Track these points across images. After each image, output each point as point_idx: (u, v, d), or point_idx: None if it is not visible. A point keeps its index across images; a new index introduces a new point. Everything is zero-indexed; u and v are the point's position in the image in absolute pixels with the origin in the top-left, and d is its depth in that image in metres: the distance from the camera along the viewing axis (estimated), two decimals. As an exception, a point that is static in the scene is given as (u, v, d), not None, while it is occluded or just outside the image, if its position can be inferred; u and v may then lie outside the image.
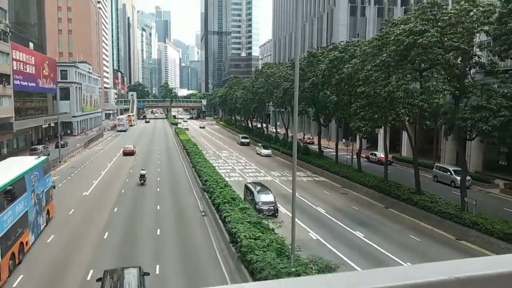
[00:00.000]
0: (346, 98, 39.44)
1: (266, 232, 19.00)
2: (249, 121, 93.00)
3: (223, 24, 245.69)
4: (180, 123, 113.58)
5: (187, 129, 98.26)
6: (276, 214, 26.89)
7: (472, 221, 23.76)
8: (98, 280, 15.44)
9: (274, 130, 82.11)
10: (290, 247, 15.93)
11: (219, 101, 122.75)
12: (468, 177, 30.74)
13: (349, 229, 25.67)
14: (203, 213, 27.92)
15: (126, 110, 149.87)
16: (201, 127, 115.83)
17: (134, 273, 15.43)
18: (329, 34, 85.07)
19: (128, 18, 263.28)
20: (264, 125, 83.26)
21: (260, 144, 62.70)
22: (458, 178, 33.26)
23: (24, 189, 21.76)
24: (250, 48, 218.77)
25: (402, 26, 27.06)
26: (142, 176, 38.01)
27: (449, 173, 38.95)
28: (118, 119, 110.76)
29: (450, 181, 38.35)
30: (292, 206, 15.48)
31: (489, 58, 25.20)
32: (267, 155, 58.30)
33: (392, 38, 27.04)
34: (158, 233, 24.18)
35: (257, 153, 60.34)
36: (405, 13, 63.00)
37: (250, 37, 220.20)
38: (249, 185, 30.69)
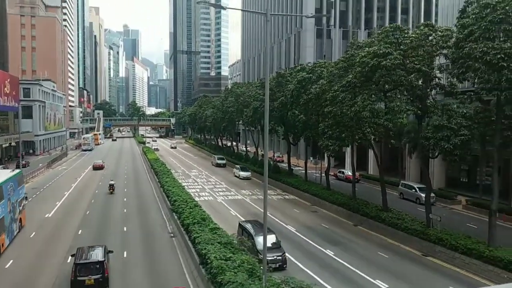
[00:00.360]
0: (314, 118, 40.20)
1: (237, 252, 18.79)
2: (219, 140, 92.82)
3: (192, 44, 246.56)
4: (148, 142, 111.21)
5: (157, 149, 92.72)
6: (285, 266, 21.51)
7: (437, 237, 24.45)
8: (72, 255, 19.85)
9: (244, 149, 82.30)
10: (261, 267, 15.80)
11: (189, 119, 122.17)
12: (432, 194, 31.74)
13: (319, 247, 25.79)
14: (172, 234, 27.32)
15: (92, 128, 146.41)
16: (172, 147, 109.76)
17: (101, 249, 19.81)
18: (296, 55, 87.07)
19: (95, 36, 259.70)
20: (234, 143, 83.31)
21: (238, 166, 58.30)
22: (423, 195, 34.29)
23: (1, 197, 24.29)
24: (219, 67, 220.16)
25: (367, 48, 28.08)
26: (111, 186, 42.78)
27: (414, 190, 40.13)
28: (83, 138, 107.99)
29: (415, 198, 39.47)
30: (264, 226, 15.44)
31: (448, 80, 26.44)
32: (246, 178, 54.15)
33: (357, 60, 27.97)
34: (125, 255, 23.41)
35: (235, 176, 56.54)
36: (369, 36, 65.68)
37: (220, 56, 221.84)
38: (246, 225, 24.13)
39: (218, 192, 44.86)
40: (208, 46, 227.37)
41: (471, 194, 39.13)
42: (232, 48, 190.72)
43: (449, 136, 24.54)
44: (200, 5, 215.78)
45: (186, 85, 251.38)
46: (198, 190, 45.84)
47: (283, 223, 31.52)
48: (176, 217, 28.24)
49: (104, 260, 18.77)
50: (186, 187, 40.92)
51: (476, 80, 22.58)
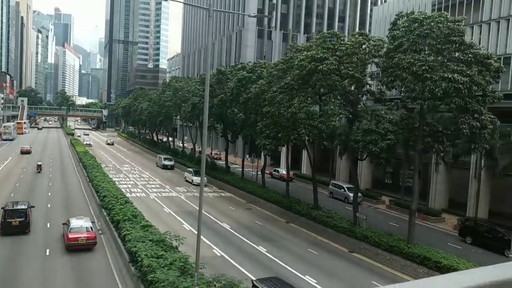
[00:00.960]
0: (253, 117, 40.64)
1: (169, 250, 18.45)
2: (154, 134, 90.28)
3: (129, 33, 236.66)
4: (79, 136, 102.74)
5: (89, 145, 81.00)
6: None
7: (362, 235, 25.93)
8: (2, 207, 25.52)
9: (181, 145, 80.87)
10: (193, 265, 15.67)
11: (122, 112, 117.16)
12: (359, 194, 33.55)
13: (253, 244, 26.15)
14: (100, 232, 26.10)
15: (15, 117, 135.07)
16: (108, 144, 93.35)
17: (25, 203, 26.73)
18: (237, 53, 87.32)
19: (22, 17, 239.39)
20: (171, 139, 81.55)
21: (191, 170, 49.55)
22: (351, 194, 36.14)
23: None
24: (157, 60, 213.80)
25: (305, 52, 28.96)
26: (39, 166, 47.51)
27: (343, 190, 42.17)
28: (4, 126, 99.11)
29: (343, 197, 41.50)
30: (198, 223, 15.33)
31: (378, 87, 28.17)
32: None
33: (296, 63, 28.74)
34: (47, 253, 21.96)
35: (187, 181, 48.66)
36: (307, 40, 67.68)
37: (158, 49, 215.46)
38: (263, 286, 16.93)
39: (152, 189, 43.66)
40: (147, 37, 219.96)
41: (394, 195, 41.98)
42: (171, 41, 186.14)
43: (377, 140, 26.10)
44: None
45: (121, 76, 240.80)
46: (130, 186, 44.24)
47: (218, 221, 31.50)
48: (105, 213, 27.05)
49: (27, 208, 25.53)
50: (117, 182, 39.31)
51: (402, 89, 24.27)
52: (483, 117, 22.71)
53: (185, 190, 43.65)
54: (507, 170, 29.21)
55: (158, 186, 45.63)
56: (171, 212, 33.52)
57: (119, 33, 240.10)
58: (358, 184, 32.38)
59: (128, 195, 34.09)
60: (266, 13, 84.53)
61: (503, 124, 31.23)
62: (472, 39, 35.12)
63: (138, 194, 39.90)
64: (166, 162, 59.61)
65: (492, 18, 38.37)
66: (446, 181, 38.76)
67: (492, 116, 23.93)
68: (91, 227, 23.55)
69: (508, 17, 36.96)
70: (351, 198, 33.53)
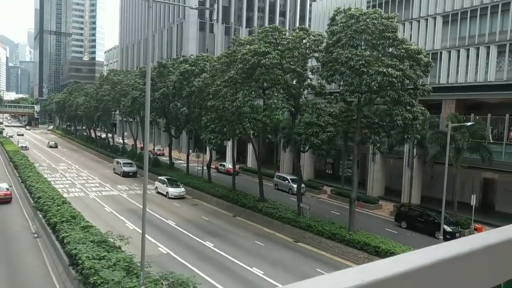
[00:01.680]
0: (197, 111, 40.16)
1: (113, 250, 17.81)
2: (92, 131, 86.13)
3: (62, 24, 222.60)
4: (10, 135, 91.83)
5: (25, 148, 67.93)
6: None
7: (306, 224, 26.76)
8: None
9: (121, 141, 77.99)
10: (139, 264, 15.27)
11: (56, 107, 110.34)
12: (302, 185, 34.53)
13: (199, 240, 25.98)
14: (36, 235, 24.55)
15: None
16: (51, 146, 78.01)
17: None
18: (179, 46, 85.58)
19: None
20: (110, 135, 78.28)
21: (163, 178, 39.68)
22: (295, 185, 37.07)
23: None
24: (94, 52, 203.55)
25: (248, 46, 29.09)
26: None
27: (287, 181, 43.16)
28: None
29: (288, 188, 42.48)
30: (143, 221, 14.93)
31: (319, 81, 29.06)
32: (179, 197, 37.39)
33: (239, 56, 28.80)
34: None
35: (159, 193, 38.92)
36: (250, 34, 68.02)
37: (94, 40, 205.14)
38: None
39: (91, 188, 41.73)
40: (82, 28, 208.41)
41: (335, 184, 43.71)
42: (109, 32, 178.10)
43: (318, 132, 26.98)
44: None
45: (54, 69, 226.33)
46: (67, 185, 41.93)
47: (163, 218, 30.87)
48: (41, 215, 25.44)
49: None
50: (53, 182, 37.15)
51: (341, 83, 25.26)
52: (414, 109, 24.30)
53: (127, 188, 42.22)
54: (436, 158, 31.51)
55: (97, 184, 43.70)
56: (112, 211, 32.30)
57: (51, 23, 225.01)
58: (301, 176, 33.27)
59: (65, 195, 32.41)
60: (208, 6, 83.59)
61: (432, 115, 33.73)
62: (404, 35, 37.30)
63: (76, 194, 37.97)
64: (127, 168, 48.29)
65: (421, 16, 41.01)
66: (382, 170, 41.05)
67: (423, 108, 25.71)
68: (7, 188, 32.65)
69: (435, 15, 39.71)
70: (295, 189, 34.40)
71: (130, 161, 51.03)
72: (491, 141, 31.69)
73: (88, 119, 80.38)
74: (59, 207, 24.48)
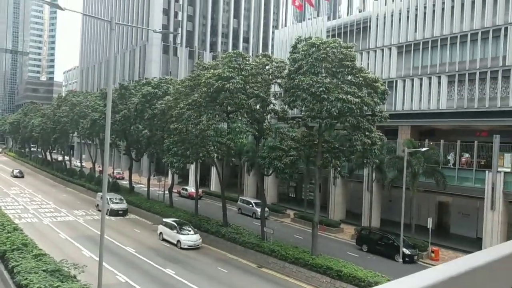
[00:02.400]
0: (159, 134, 39.61)
1: (67, 280, 16.87)
2: (48, 153, 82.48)
3: (18, 42, 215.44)
4: None
5: None
6: None
7: (270, 249, 26.63)
8: None
9: (79, 164, 75.16)
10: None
11: (10, 128, 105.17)
12: (266, 209, 34.53)
13: (159, 267, 25.17)
14: (-18, 266, 22.85)
15: None
16: (16, 176, 66.83)
17: None
18: (141, 68, 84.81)
19: None
20: (67, 158, 75.28)
21: (169, 221, 31.95)
22: (258, 209, 37.00)
23: None
24: (52, 72, 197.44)
25: (212, 70, 29.34)
26: None
27: (251, 205, 43.01)
28: None
29: (251, 212, 42.29)
30: (100, 248, 14.34)
31: (281, 106, 29.64)
32: (194, 247, 29.76)
33: (203, 80, 28.92)
34: None
35: (165, 240, 31.30)
36: (214, 58, 68.62)
37: (53, 60, 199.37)
38: None
39: (45, 213, 39.68)
40: (40, 48, 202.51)
41: (298, 208, 43.99)
42: (69, 52, 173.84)
43: (281, 156, 27.28)
44: (31, 0, 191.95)
45: (9, 89, 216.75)
46: (19, 211, 39.68)
47: (121, 245, 29.71)
48: (-12, 244, 23.78)
49: None
50: (3, 207, 35.05)
51: (303, 108, 25.90)
52: (373, 135, 25.21)
53: (84, 214, 40.49)
54: (393, 182, 32.62)
55: (52, 210, 41.63)
56: (68, 238, 30.79)
57: (6, 41, 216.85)
58: (265, 199, 33.31)
59: (17, 221, 30.59)
60: (171, 30, 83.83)
61: (389, 141, 35.08)
62: (362, 64, 38.98)
63: (29, 220, 35.98)
64: (116, 206, 40.05)
65: (377, 46, 43.14)
66: (343, 193, 41.87)
67: (381, 134, 26.75)
68: None
69: (390, 46, 41.90)
70: (259, 213, 34.28)
71: (119, 196, 42.61)
72: (452, 166, 33.37)
73: (44, 141, 77.06)
74: (9, 234, 23.02)
